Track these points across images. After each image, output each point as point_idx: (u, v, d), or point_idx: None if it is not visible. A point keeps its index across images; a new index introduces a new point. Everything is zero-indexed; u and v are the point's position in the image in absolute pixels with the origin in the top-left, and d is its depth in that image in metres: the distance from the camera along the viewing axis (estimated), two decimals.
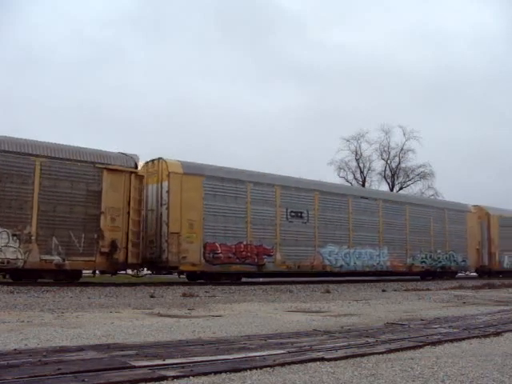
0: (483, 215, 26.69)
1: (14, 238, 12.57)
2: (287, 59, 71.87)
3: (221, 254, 15.88)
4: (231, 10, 75.05)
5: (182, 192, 15.27)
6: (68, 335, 5.10)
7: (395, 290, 15.13)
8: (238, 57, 75.66)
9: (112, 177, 14.09)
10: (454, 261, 24.28)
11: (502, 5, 71.68)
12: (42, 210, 12.98)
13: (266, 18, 75.36)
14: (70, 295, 10.80)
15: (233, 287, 14.49)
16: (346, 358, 3.99)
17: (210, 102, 70.81)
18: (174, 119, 68.44)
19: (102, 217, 13.82)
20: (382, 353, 4.23)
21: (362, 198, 20.72)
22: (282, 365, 3.65)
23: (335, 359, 3.90)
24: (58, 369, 3.24)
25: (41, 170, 13.08)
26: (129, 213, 14.20)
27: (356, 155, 43.53)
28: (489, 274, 26.83)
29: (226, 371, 3.38)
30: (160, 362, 3.58)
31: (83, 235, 13.50)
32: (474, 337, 5.31)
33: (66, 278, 13.58)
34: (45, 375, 3.09)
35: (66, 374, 3.15)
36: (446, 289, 16.18)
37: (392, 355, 4.19)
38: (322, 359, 3.86)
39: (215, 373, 3.32)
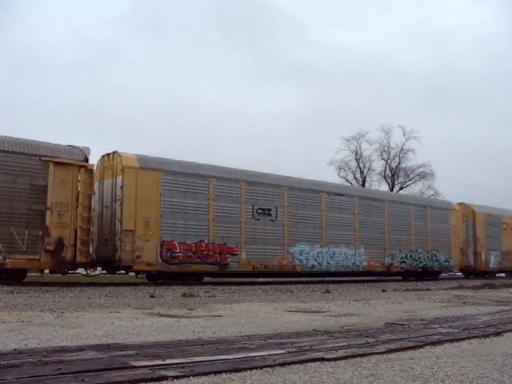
0: (468, 213, 25.74)
1: None
2: (287, 59, 71.95)
3: (179, 253, 15.07)
4: (231, 10, 75.12)
5: (137, 187, 14.48)
6: (68, 335, 5.10)
7: (395, 290, 15.13)
8: (238, 57, 75.74)
9: (59, 170, 13.24)
10: (437, 260, 23.37)
11: (501, 5, 71.81)
12: None
13: (265, 18, 75.43)
14: (69, 295, 10.80)
15: (233, 287, 14.48)
16: (346, 358, 3.99)
17: (209, 101, 70.87)
18: (174, 119, 68.51)
19: (48, 213, 12.93)
20: (382, 353, 4.23)
21: (336, 194, 19.73)
22: (282, 365, 3.65)
23: (335, 359, 3.90)
24: (58, 369, 3.24)
25: None
26: (77, 209, 13.38)
27: (356, 155, 43.56)
28: (474, 274, 26.01)
29: (226, 371, 3.38)
30: (160, 362, 3.58)
31: (27, 232, 12.68)
32: (474, 337, 5.31)
33: (9, 277, 12.76)
34: (45, 375, 3.09)
35: (66, 373, 3.15)
36: (445, 289, 16.18)
37: (392, 355, 4.19)
38: (322, 359, 3.86)
39: (215, 373, 3.32)
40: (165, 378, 3.14)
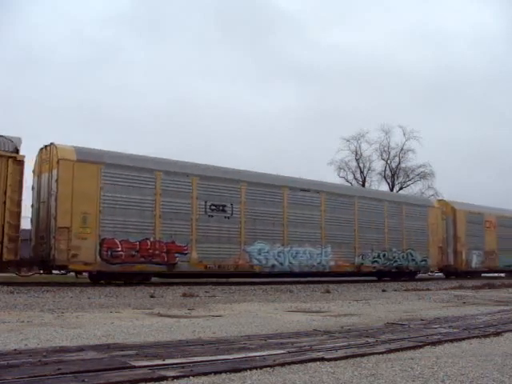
0: (448, 210, 24.66)
1: None
2: (287, 59, 71.97)
3: (121, 252, 14.08)
4: (231, 10, 75.13)
5: (74, 181, 13.52)
6: (68, 335, 5.10)
7: (395, 290, 15.13)
8: (238, 57, 75.75)
9: None
10: (413, 260, 22.17)
11: (502, 5, 71.80)
12: None
13: (265, 18, 75.44)
14: (70, 295, 10.80)
15: (233, 287, 14.48)
16: (346, 357, 3.99)
17: (209, 101, 70.87)
18: (174, 119, 68.51)
19: None
20: (382, 353, 4.23)
21: (300, 190, 18.51)
22: (282, 365, 3.65)
23: (335, 359, 3.90)
24: (58, 369, 3.24)
25: None
26: (5, 203, 12.50)
27: (356, 155, 43.59)
28: (455, 274, 25.05)
29: (226, 371, 3.38)
30: (160, 361, 3.58)
31: None
32: (474, 337, 5.31)
33: None
34: (45, 375, 3.09)
35: (66, 374, 3.15)
36: (445, 289, 16.18)
37: (392, 355, 4.19)
38: (322, 359, 3.86)
39: (215, 373, 3.32)
40: (165, 378, 3.14)
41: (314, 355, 3.97)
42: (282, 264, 17.61)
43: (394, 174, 44.21)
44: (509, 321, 6.88)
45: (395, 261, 21.43)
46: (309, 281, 18.54)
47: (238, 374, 3.34)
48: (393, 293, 13.95)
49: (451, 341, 4.98)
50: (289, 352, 4.12)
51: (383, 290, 14.84)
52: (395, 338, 5.09)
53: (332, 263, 19.06)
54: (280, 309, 8.61)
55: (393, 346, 4.58)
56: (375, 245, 20.71)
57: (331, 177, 40.80)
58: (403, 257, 21.76)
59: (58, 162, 13.54)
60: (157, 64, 73.22)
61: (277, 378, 3.29)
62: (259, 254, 17.03)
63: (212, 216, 16.00)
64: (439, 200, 25.46)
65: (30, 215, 14.68)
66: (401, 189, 43.59)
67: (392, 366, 3.73)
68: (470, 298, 12.06)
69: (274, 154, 60.23)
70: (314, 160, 59.72)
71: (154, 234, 14.74)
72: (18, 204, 12.98)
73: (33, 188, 14.51)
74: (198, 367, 3.46)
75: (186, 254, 15.35)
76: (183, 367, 3.44)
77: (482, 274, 26.88)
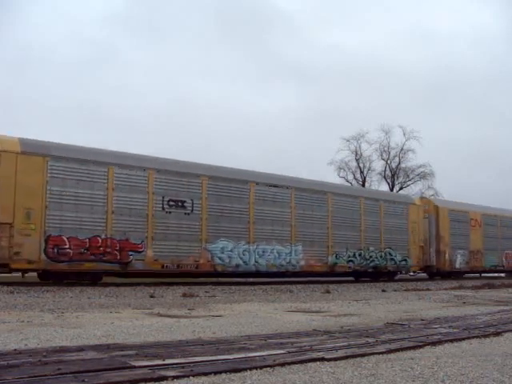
0: (431, 208, 23.49)
1: None
2: (287, 59, 71.86)
3: (69, 250, 13.26)
4: (231, 10, 75.08)
5: (17, 174, 12.72)
6: (68, 335, 5.10)
7: (395, 290, 15.13)
8: (238, 57, 75.66)
9: None
10: (392, 260, 21.00)
11: (502, 5, 71.83)
12: None
13: (266, 18, 75.41)
14: (70, 295, 10.81)
15: (233, 287, 14.47)
16: (346, 357, 3.99)
17: (209, 101, 70.77)
18: (174, 119, 68.39)
19: None
20: (382, 353, 4.23)
21: (268, 185, 17.47)
22: (282, 365, 3.65)
23: (335, 359, 3.90)
24: (58, 369, 3.24)
25: None
26: None
27: (356, 155, 43.66)
28: (437, 274, 23.95)
29: (226, 371, 3.38)
30: (160, 361, 3.58)
31: None
32: (474, 337, 5.31)
33: None
34: (45, 375, 3.09)
35: (66, 374, 3.15)
36: (445, 289, 16.18)
37: (392, 355, 4.19)
38: (322, 359, 3.86)
39: (215, 373, 3.33)
40: (165, 378, 3.14)
41: (314, 355, 3.97)
42: (247, 263, 16.61)
43: (394, 174, 44.28)
44: (509, 321, 6.88)
45: (372, 260, 20.33)
46: (309, 281, 18.52)
47: (238, 374, 3.34)
48: (393, 293, 13.96)
49: (451, 341, 4.98)
50: (289, 352, 4.12)
51: (383, 290, 14.85)
52: (395, 337, 5.09)
53: (302, 263, 18.02)
54: (280, 309, 8.62)
55: (393, 346, 4.58)
56: (350, 243, 19.64)
57: (331, 177, 40.91)
58: (381, 256, 20.69)
59: None
60: (157, 64, 73.18)
61: (277, 377, 3.29)
62: (222, 253, 16.11)
63: (170, 212, 15.13)
64: (421, 197, 24.52)
65: None
66: (401, 189, 43.64)
67: (392, 365, 3.73)
68: (470, 297, 12.06)
69: (273, 153, 60.21)
70: (314, 160, 59.73)
71: (105, 230, 13.92)
72: None
73: None
74: (198, 367, 3.47)
75: (141, 252, 14.49)
76: (183, 367, 3.44)
77: (466, 275, 25.52)
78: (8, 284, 12.14)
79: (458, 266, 24.12)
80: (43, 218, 13.00)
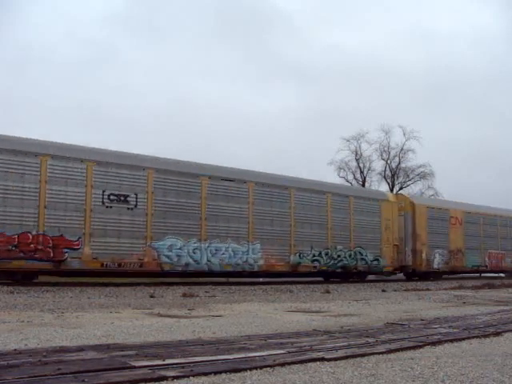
0: (407, 205, 22.17)
1: None
2: (287, 59, 71.77)
3: None
4: (231, 10, 75.03)
5: None
6: (68, 335, 5.10)
7: (395, 290, 15.14)
8: (238, 57, 75.61)
9: None
10: (363, 259, 19.80)
11: (501, 5, 71.79)
12: None
13: (266, 18, 75.34)
14: (70, 295, 10.81)
15: (233, 287, 14.48)
16: (346, 358, 3.99)
17: (209, 101, 70.68)
18: (174, 119, 68.30)
19: None
20: (382, 353, 4.24)
21: (223, 179, 16.34)
22: (282, 365, 3.65)
23: (335, 359, 3.90)
24: (58, 369, 3.24)
25: None
26: None
27: (356, 155, 43.65)
28: (414, 275, 22.67)
29: (226, 371, 3.38)
30: (160, 362, 3.58)
31: None
32: (474, 337, 5.31)
33: None
34: (45, 375, 3.09)
35: (66, 374, 3.16)
36: (445, 289, 16.19)
37: (392, 355, 4.19)
38: (322, 359, 3.86)
39: (215, 373, 3.33)
40: (165, 378, 3.14)
41: (314, 355, 3.97)
42: (198, 262, 15.47)
43: (394, 174, 44.29)
44: (509, 321, 6.88)
45: (340, 260, 19.09)
46: (309, 281, 18.50)
47: (238, 374, 3.34)
48: (393, 293, 13.96)
49: (451, 341, 4.98)
50: (289, 352, 4.13)
51: (383, 290, 14.86)
52: (395, 337, 5.09)
53: (261, 262, 16.83)
54: (280, 309, 8.62)
55: (393, 346, 4.58)
56: (316, 242, 18.37)
57: (331, 177, 40.90)
58: (350, 256, 19.41)
59: None
60: (157, 64, 73.11)
61: (277, 377, 3.29)
62: (170, 251, 15.00)
63: (111, 207, 14.06)
64: (397, 194, 23.33)
65: None
66: (401, 189, 43.62)
67: (392, 365, 3.73)
68: (470, 297, 12.07)
69: (273, 153, 60.13)
70: (314, 160, 59.64)
71: (37, 226, 12.91)
72: None
73: None
74: (198, 367, 3.47)
75: (78, 249, 13.40)
76: (183, 367, 3.44)
77: (444, 276, 24.16)
78: (8, 284, 12.14)
79: (436, 266, 22.85)
80: None
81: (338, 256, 19.03)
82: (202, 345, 4.46)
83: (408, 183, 44.16)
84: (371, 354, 4.16)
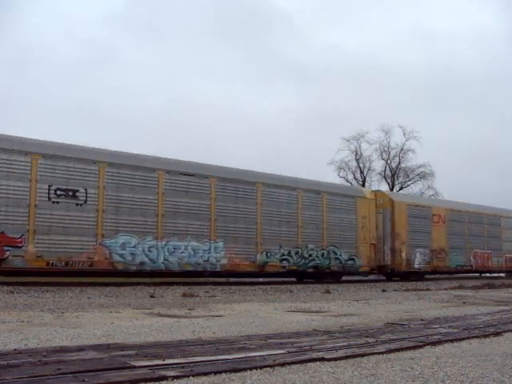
0: (385, 202, 21.09)
1: None
2: (287, 59, 71.78)
3: None
4: (231, 10, 75.04)
5: None
6: (68, 335, 5.10)
7: (395, 290, 15.15)
8: (238, 57, 75.63)
9: None
10: (337, 259, 18.83)
11: (501, 5, 71.79)
12: None
13: (265, 18, 75.34)
14: (70, 295, 10.81)
15: (233, 287, 14.48)
16: (346, 357, 3.99)
17: (209, 101, 70.67)
18: (174, 119, 68.30)
19: None
20: (382, 353, 4.23)
21: (182, 174, 15.49)
22: (282, 365, 3.65)
23: (335, 359, 3.90)
24: (58, 369, 3.24)
25: None
26: None
27: (356, 155, 43.70)
28: (393, 275, 21.72)
29: (226, 371, 3.38)
30: (160, 362, 3.58)
31: None
32: (474, 337, 5.31)
33: None
34: (45, 375, 3.09)
35: (66, 373, 3.15)
36: (445, 289, 16.20)
37: (392, 355, 4.19)
38: (322, 359, 3.86)
39: (215, 373, 3.33)
40: (165, 378, 3.14)
41: (314, 355, 3.97)
42: (154, 261, 14.70)
43: (394, 174, 44.33)
44: (509, 321, 6.88)
45: (312, 259, 18.13)
46: (309, 281, 18.51)
47: (238, 374, 3.34)
48: (393, 293, 13.97)
49: (451, 341, 4.98)
50: (289, 352, 4.12)
51: (383, 290, 14.87)
52: (395, 337, 5.09)
53: (224, 261, 15.97)
54: (280, 309, 8.62)
55: (393, 346, 4.58)
56: (285, 240, 17.42)
57: (331, 177, 40.90)
58: (323, 255, 18.45)
59: None
60: (157, 64, 73.11)
61: (277, 377, 3.29)
62: (123, 249, 14.18)
63: (58, 202, 13.23)
64: (375, 190, 22.43)
65: None
66: (401, 189, 43.68)
67: (392, 365, 3.73)
68: (470, 297, 12.07)
69: (273, 153, 60.12)
70: (314, 160, 59.66)
71: None
72: None
73: None
74: (198, 367, 3.47)
75: (21, 247, 12.63)
76: (183, 367, 3.44)
77: (426, 276, 23.30)
78: (8, 284, 12.15)
79: (417, 265, 21.84)
80: None
81: (310, 255, 18.14)
82: (202, 345, 4.46)
83: (408, 183, 44.27)
84: (371, 353, 4.16)
